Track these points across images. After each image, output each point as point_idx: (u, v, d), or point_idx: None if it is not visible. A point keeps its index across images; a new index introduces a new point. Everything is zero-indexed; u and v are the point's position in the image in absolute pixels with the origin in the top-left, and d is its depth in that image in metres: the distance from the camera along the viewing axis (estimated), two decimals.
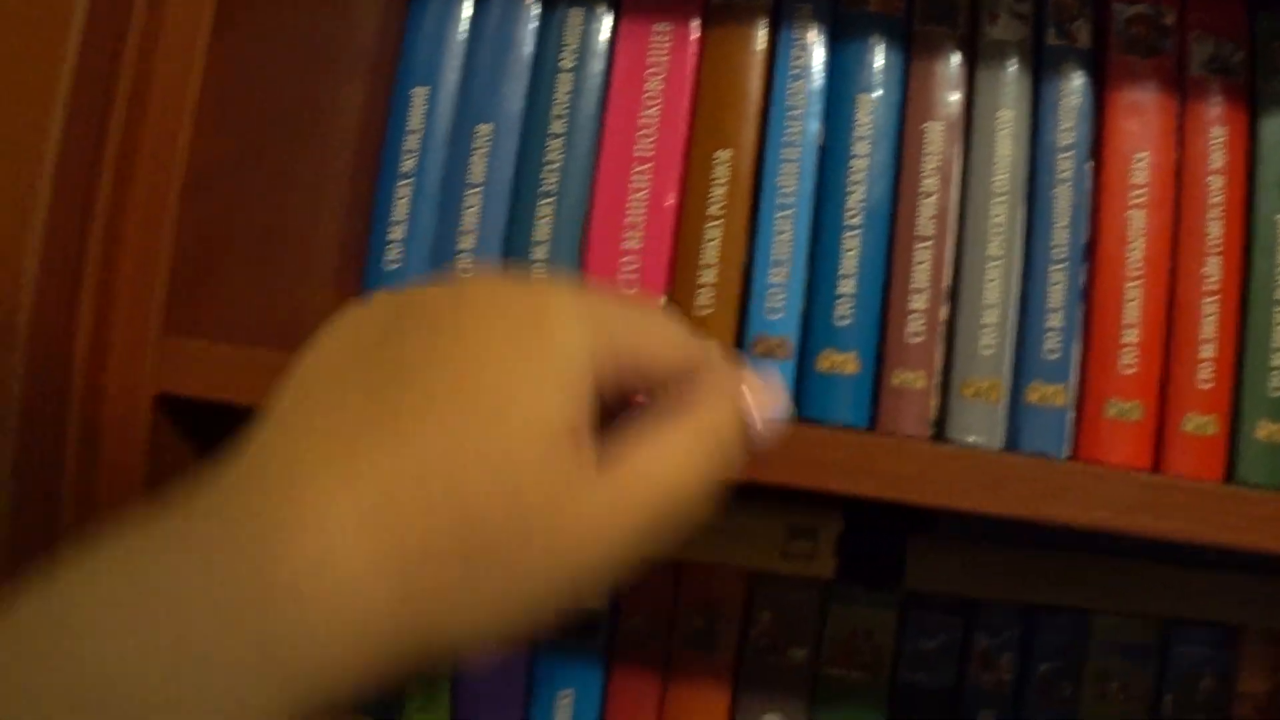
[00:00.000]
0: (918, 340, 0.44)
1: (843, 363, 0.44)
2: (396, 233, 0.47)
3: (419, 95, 0.47)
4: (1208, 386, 0.44)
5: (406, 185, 0.47)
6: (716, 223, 0.45)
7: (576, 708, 0.47)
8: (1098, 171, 0.44)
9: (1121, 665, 0.47)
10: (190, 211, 0.39)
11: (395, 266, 0.47)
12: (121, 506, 0.37)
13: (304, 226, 0.46)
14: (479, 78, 0.47)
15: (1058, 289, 0.45)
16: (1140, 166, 0.44)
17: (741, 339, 0.45)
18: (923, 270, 0.45)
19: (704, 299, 0.45)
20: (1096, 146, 0.45)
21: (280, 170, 0.44)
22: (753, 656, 0.46)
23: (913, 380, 0.44)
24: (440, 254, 0.47)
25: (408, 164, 0.47)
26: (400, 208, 0.47)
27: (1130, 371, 0.44)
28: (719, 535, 0.45)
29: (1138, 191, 0.44)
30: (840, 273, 0.45)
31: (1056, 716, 0.47)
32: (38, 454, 0.37)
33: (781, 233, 0.45)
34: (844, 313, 0.44)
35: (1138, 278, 0.44)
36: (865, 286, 0.45)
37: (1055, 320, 0.45)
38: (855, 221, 0.45)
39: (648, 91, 0.46)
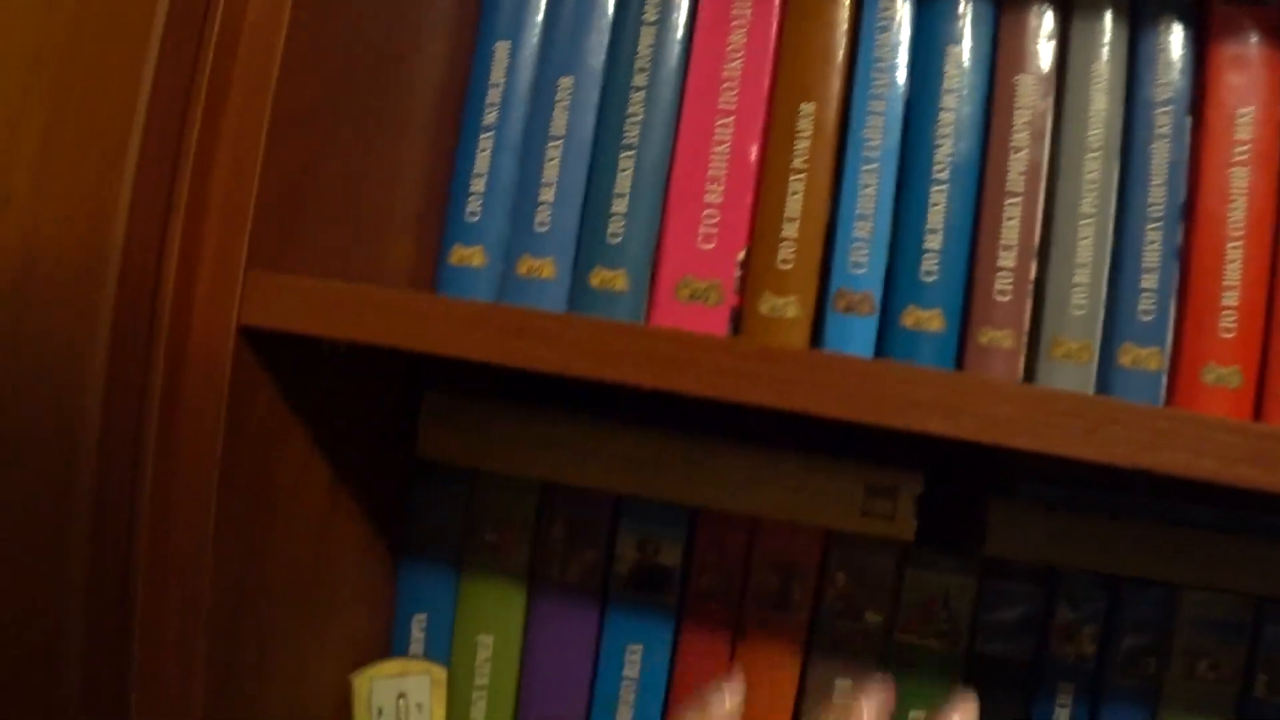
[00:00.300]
0: (1006, 299, 0.42)
1: (927, 319, 0.41)
2: (478, 185, 0.46)
3: (501, 49, 0.46)
4: None
5: (488, 138, 0.46)
6: (800, 176, 0.43)
7: (645, 662, 0.45)
8: (1198, 127, 0.41)
9: (1211, 643, 0.43)
10: (277, 152, 0.38)
11: (475, 219, 0.45)
12: (204, 435, 0.36)
13: (386, 174, 0.44)
14: (561, 31, 0.45)
15: (1153, 248, 0.41)
16: (1244, 122, 0.41)
17: (824, 294, 0.42)
18: (1012, 227, 0.42)
19: (785, 253, 0.43)
20: (1197, 101, 0.41)
21: (364, 117, 0.43)
22: (827, 619, 0.44)
23: (1000, 339, 0.41)
24: (521, 207, 0.45)
25: (490, 117, 0.46)
26: (482, 160, 0.46)
27: (1230, 336, 0.41)
28: (796, 493, 0.42)
29: (1241, 148, 0.41)
30: (926, 228, 0.42)
31: (1139, 693, 0.43)
32: (125, 382, 0.36)
33: (866, 187, 0.42)
34: (929, 269, 0.42)
35: (1239, 238, 0.41)
36: (952, 243, 0.42)
37: (1150, 281, 0.41)
38: (942, 176, 0.42)
39: (731, 44, 0.44)
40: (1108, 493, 0.44)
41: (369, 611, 0.46)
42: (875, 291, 0.42)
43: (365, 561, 0.45)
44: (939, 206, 0.42)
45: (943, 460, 0.45)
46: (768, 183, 0.43)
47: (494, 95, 0.46)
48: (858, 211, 0.42)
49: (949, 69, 0.42)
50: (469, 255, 0.45)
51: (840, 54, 0.43)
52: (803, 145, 0.43)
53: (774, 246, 0.43)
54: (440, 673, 0.45)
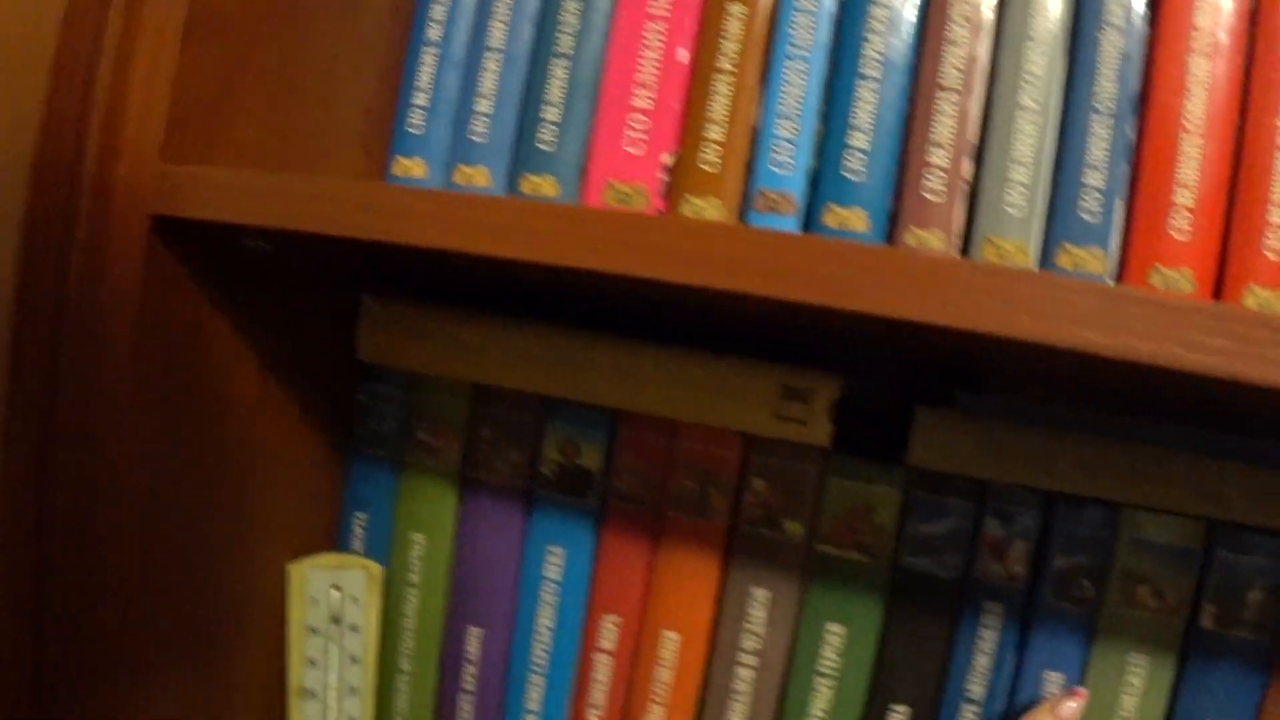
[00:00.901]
0: (937, 199, 0.35)
1: (849, 219, 0.36)
2: (420, 99, 0.42)
3: None
4: (1279, 258, 0.34)
5: (432, 52, 0.42)
6: (726, 78, 0.37)
7: (567, 566, 0.40)
8: (1155, 13, 0.34)
9: (1154, 568, 0.36)
10: (197, 51, 0.35)
11: (417, 131, 0.42)
12: (121, 318, 0.34)
13: (326, 85, 0.41)
14: None
15: (1100, 144, 0.35)
16: (1205, 7, 0.34)
17: (747, 196, 0.37)
18: (945, 124, 0.36)
19: (710, 155, 0.37)
20: None
21: (296, 28, 0.39)
22: (746, 527, 0.39)
23: (929, 240, 0.35)
24: (460, 118, 0.41)
25: (433, 32, 0.42)
26: (425, 74, 0.42)
27: (1182, 237, 0.34)
28: (711, 395, 0.37)
29: (1201, 35, 0.34)
30: (852, 125, 0.36)
31: (1074, 619, 0.37)
32: (41, 269, 0.33)
33: (791, 85, 0.37)
34: (855, 168, 0.36)
35: (1197, 131, 0.34)
36: (880, 141, 0.36)
37: (1095, 178, 0.35)
38: (871, 73, 0.36)
39: None
40: (1049, 405, 0.37)
41: (314, 508, 0.43)
42: (797, 191, 0.36)
43: (306, 459, 0.42)
44: (867, 104, 0.36)
45: (875, 368, 0.39)
46: (695, 86, 0.38)
47: (438, 12, 0.42)
48: (781, 110, 0.37)
49: None
50: (410, 166, 0.42)
51: None
52: (730, 47, 0.37)
53: (698, 149, 0.38)
54: (376, 569, 0.42)
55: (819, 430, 0.36)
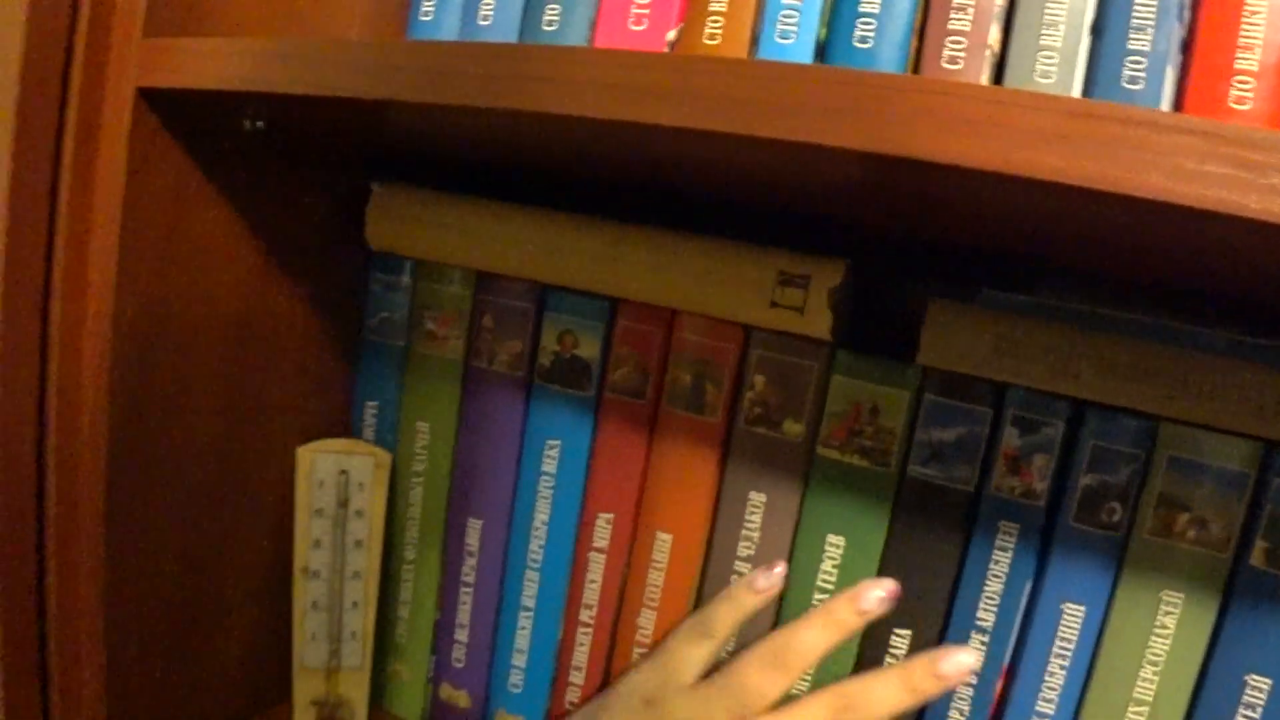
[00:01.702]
0: (957, 68, 0.33)
1: None
2: None
3: None
4: None
5: None
6: None
7: (563, 458, 0.41)
8: None
9: (1196, 493, 0.33)
10: None
11: (428, 19, 0.42)
12: (112, 194, 0.36)
13: None
14: None
15: (1149, 1, 0.31)
16: None
17: None
18: None
19: (712, 29, 0.36)
20: None
21: None
22: (744, 425, 0.38)
23: None
24: (469, 5, 0.42)
25: None
26: None
27: (1245, 108, 0.30)
28: (705, 280, 0.36)
29: None
30: None
31: (1100, 545, 0.34)
32: (36, 144, 0.36)
33: None
34: (865, 35, 0.34)
35: None
36: (894, 5, 0.34)
37: (1141, 41, 0.31)
38: None
39: None
40: (1081, 302, 0.34)
41: (327, 395, 0.45)
42: (804, 61, 0.35)
43: (316, 345, 0.44)
44: None
45: (889, 261, 0.37)
46: None
47: None
48: None
49: None
50: None
51: None
52: None
53: (703, 23, 0.36)
54: (385, 457, 0.43)
55: (818, 320, 0.35)
